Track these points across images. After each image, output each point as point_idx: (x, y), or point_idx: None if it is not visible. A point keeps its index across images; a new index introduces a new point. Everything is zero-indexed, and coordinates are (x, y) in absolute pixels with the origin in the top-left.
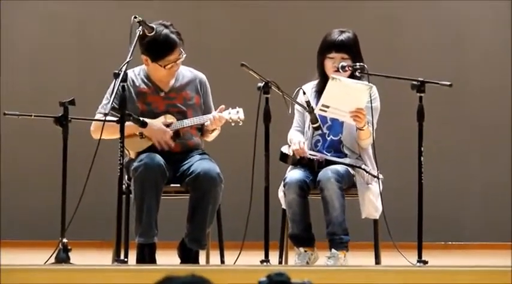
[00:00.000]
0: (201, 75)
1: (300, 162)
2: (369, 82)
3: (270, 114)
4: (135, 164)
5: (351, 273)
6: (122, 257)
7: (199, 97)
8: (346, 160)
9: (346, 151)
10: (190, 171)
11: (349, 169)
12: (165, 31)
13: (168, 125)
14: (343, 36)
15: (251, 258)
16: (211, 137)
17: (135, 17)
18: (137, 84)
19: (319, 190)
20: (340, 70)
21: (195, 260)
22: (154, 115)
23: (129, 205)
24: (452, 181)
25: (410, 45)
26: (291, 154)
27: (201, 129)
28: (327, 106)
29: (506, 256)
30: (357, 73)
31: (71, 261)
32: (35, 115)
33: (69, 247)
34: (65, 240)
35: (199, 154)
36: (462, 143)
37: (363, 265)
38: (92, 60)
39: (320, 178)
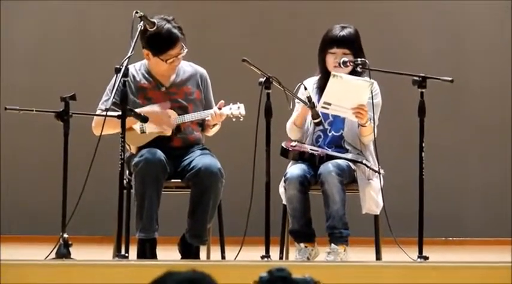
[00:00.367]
0: (202, 70)
1: (300, 157)
2: (370, 78)
3: (271, 109)
4: (136, 159)
5: (351, 269)
6: (123, 252)
7: (200, 92)
8: (348, 156)
9: (348, 147)
10: (191, 166)
11: (350, 164)
12: (167, 25)
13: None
14: (344, 32)
15: (252, 254)
16: (212, 132)
17: (137, 12)
18: (138, 79)
19: (320, 184)
20: (342, 65)
21: (196, 256)
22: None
23: (130, 201)
24: (453, 177)
25: (410, 42)
26: (292, 148)
27: (202, 124)
28: (329, 104)
29: (507, 252)
30: (359, 69)
31: (71, 256)
32: (36, 110)
33: (69, 242)
34: (65, 235)
35: (200, 149)
36: (463, 140)
37: (363, 261)
38: (92, 55)
39: (321, 171)
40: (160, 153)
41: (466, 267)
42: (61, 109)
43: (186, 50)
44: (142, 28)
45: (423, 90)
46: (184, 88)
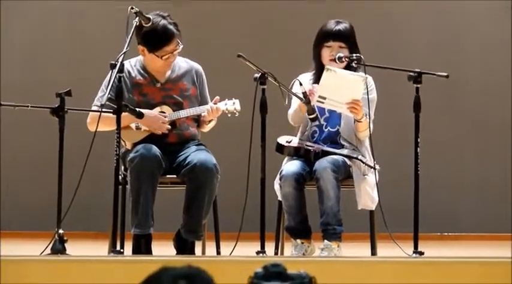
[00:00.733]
0: (197, 66)
1: (296, 153)
2: (365, 74)
3: (266, 105)
4: (131, 155)
5: (347, 264)
6: (118, 248)
7: (195, 88)
8: (343, 151)
9: (343, 143)
10: (187, 161)
11: (346, 159)
12: (163, 22)
13: (161, 113)
14: (340, 26)
15: (247, 249)
16: (207, 128)
17: (132, 8)
18: (133, 75)
19: (315, 180)
20: (337, 61)
21: (191, 251)
22: (151, 107)
23: (126, 196)
24: (448, 173)
25: (407, 39)
26: (288, 144)
27: (198, 120)
28: (324, 98)
29: (502, 247)
30: (354, 64)
31: (66, 252)
32: (31, 106)
33: (65, 238)
34: (61, 231)
35: (196, 145)
36: (458, 135)
37: (359, 256)
38: (88, 52)
39: (316, 167)
40: (155, 149)
41: (462, 262)
42: (56, 105)
43: (181, 46)
44: (137, 24)
45: (418, 86)
46: (180, 84)
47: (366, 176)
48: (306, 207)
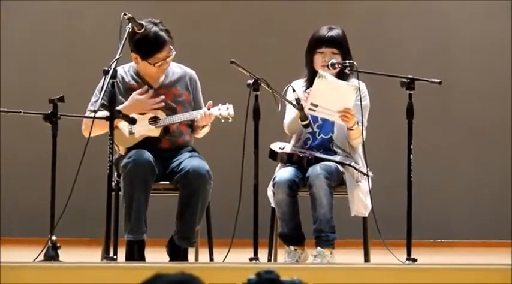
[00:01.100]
0: (191, 72)
1: (289, 159)
2: (358, 80)
3: (259, 111)
4: (124, 161)
5: (340, 271)
6: (111, 254)
7: (189, 94)
8: (336, 158)
9: (336, 149)
10: (180, 168)
11: (339, 166)
12: (154, 29)
13: (154, 119)
14: (333, 32)
15: (240, 256)
16: (201, 134)
17: (125, 14)
18: (127, 81)
19: (308, 187)
20: (330, 67)
21: (184, 258)
22: (144, 112)
23: (119, 202)
24: (442, 179)
25: (400, 44)
26: (281, 151)
27: (192, 126)
28: (316, 105)
29: (495, 254)
30: (347, 71)
31: (60, 259)
32: (23, 112)
33: (58, 245)
34: (54, 238)
35: (189, 151)
36: (452, 141)
37: (352, 263)
38: (81, 57)
39: (309, 174)
40: (148, 155)
41: (455, 269)
42: (49, 111)
43: (174, 53)
44: (130, 30)
45: (411, 92)
46: (173, 90)
47: (359, 183)
48: (299, 214)
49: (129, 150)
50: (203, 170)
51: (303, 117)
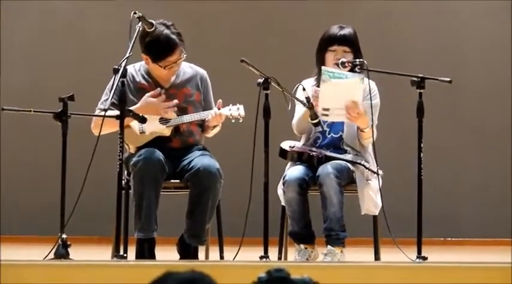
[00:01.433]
0: (202, 71)
1: (299, 158)
2: (369, 79)
3: (269, 110)
4: (134, 159)
5: (350, 269)
6: (121, 252)
7: (199, 94)
8: (346, 156)
9: (346, 148)
10: (190, 166)
11: (349, 165)
12: (166, 31)
13: (164, 118)
14: (345, 31)
15: (250, 254)
16: (211, 133)
17: (135, 13)
18: (137, 80)
19: (318, 186)
20: (340, 66)
21: (195, 256)
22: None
23: (129, 201)
24: (452, 178)
25: (408, 43)
26: (291, 149)
27: (202, 125)
28: (327, 109)
29: (505, 252)
30: (357, 70)
31: (70, 257)
32: (34, 111)
33: (68, 243)
34: (64, 236)
35: (200, 150)
36: (461, 140)
37: (362, 261)
38: (91, 56)
39: (319, 173)
40: (158, 153)
41: (465, 267)
42: (59, 110)
43: (185, 55)
44: (140, 29)
45: (421, 91)
46: (184, 90)
47: (369, 181)
48: (309, 212)
49: (139, 148)
50: (213, 168)
51: (313, 115)
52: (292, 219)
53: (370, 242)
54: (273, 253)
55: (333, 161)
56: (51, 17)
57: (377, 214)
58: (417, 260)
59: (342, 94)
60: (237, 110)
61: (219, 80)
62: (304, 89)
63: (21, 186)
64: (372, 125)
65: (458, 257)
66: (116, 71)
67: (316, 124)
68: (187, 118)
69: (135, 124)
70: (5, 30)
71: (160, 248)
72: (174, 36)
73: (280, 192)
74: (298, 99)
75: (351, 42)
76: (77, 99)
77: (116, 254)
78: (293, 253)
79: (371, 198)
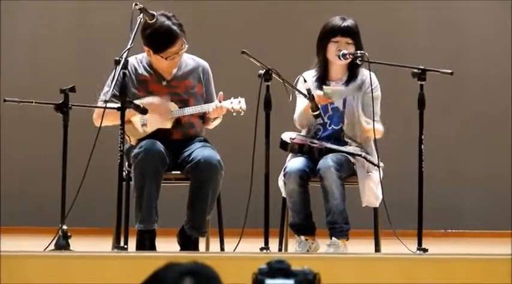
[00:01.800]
0: (204, 63)
1: (300, 149)
2: (369, 71)
3: (270, 101)
4: (135, 151)
5: (350, 261)
6: (122, 244)
7: (201, 86)
8: (347, 148)
9: (347, 140)
10: (191, 158)
11: (350, 157)
12: (167, 23)
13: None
14: (348, 22)
15: (251, 245)
16: (212, 125)
17: (136, 4)
18: (139, 72)
19: (319, 179)
20: (341, 58)
21: (195, 248)
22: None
23: (129, 192)
24: (453, 169)
25: (409, 35)
26: (291, 141)
27: (203, 117)
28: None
29: (506, 245)
30: (358, 61)
31: (70, 248)
32: (35, 102)
33: (68, 234)
34: (64, 227)
35: (200, 141)
36: (463, 131)
37: (362, 253)
38: (92, 47)
39: (320, 167)
40: (159, 145)
41: (466, 259)
42: (60, 101)
43: (187, 46)
44: (141, 20)
45: (423, 83)
46: (186, 82)
47: (370, 173)
48: (310, 204)
49: (140, 140)
50: (214, 160)
51: (314, 107)
52: (292, 211)
53: (371, 234)
54: (273, 244)
55: (333, 153)
56: (54, 9)
57: (378, 206)
58: (418, 252)
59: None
60: (238, 103)
61: (220, 72)
62: (305, 81)
63: (22, 177)
64: (373, 117)
65: (459, 249)
66: (117, 63)
67: (316, 116)
68: (188, 110)
69: (136, 119)
70: (7, 22)
71: (161, 239)
72: (175, 27)
73: (281, 183)
74: (299, 91)
75: (353, 34)
76: (78, 91)
77: (116, 245)
78: (293, 245)
79: (372, 190)
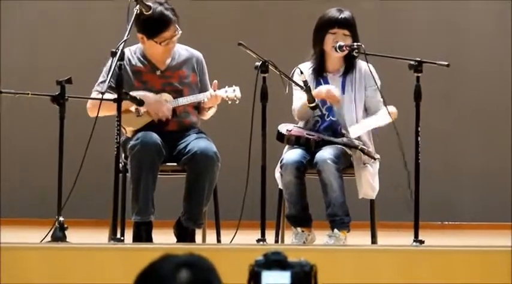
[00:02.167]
0: (198, 54)
1: (296, 141)
2: (367, 62)
3: (267, 93)
4: (132, 142)
5: (347, 252)
6: (118, 235)
7: (195, 76)
8: (344, 140)
9: (345, 131)
10: (187, 149)
11: (346, 149)
12: (160, 8)
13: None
14: (345, 14)
15: (247, 237)
16: (207, 115)
17: None
18: (133, 63)
19: (317, 173)
20: (338, 50)
21: (192, 239)
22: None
23: (126, 184)
24: (450, 161)
25: (405, 28)
26: (288, 133)
27: (198, 107)
28: None
29: (504, 237)
30: (354, 53)
31: (67, 239)
32: (31, 94)
33: (65, 226)
34: (61, 218)
35: (196, 133)
36: (460, 124)
37: (359, 245)
38: (88, 39)
39: (317, 160)
40: (156, 136)
41: (462, 251)
42: (57, 93)
43: (180, 32)
44: (138, 12)
45: (419, 75)
46: (180, 72)
47: (366, 165)
48: (306, 195)
49: (136, 132)
50: (210, 152)
51: (311, 99)
52: (289, 202)
53: (367, 226)
54: (270, 236)
55: (329, 145)
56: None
57: (374, 197)
58: (414, 244)
59: None
60: (233, 92)
61: (217, 63)
62: (301, 73)
63: (18, 169)
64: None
65: (456, 241)
66: (113, 54)
67: (314, 108)
68: (183, 100)
69: (131, 108)
70: (4, 13)
71: (158, 231)
72: (168, 12)
73: (277, 175)
74: (296, 83)
75: (351, 26)
76: (75, 82)
77: (113, 237)
78: (290, 236)
79: (368, 182)
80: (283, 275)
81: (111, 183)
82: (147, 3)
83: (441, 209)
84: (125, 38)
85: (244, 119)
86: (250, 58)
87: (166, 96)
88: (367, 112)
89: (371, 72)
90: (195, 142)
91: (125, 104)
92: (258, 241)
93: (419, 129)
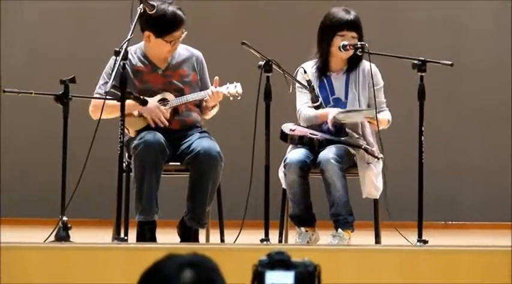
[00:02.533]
0: (198, 53)
1: (300, 141)
2: (370, 62)
3: (270, 92)
4: (135, 142)
5: (351, 252)
6: (122, 235)
7: (195, 74)
8: (347, 140)
9: (348, 131)
10: (191, 149)
11: (350, 148)
12: (171, 7)
13: (163, 100)
14: (352, 15)
15: (251, 237)
16: (210, 114)
17: None
18: (134, 63)
19: (320, 172)
20: (341, 49)
21: (195, 239)
22: (153, 93)
23: (130, 183)
24: (453, 161)
25: (406, 27)
26: (291, 132)
27: (200, 106)
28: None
29: (506, 236)
30: (358, 53)
31: (70, 239)
32: (35, 93)
33: (69, 225)
34: (64, 218)
35: (199, 132)
36: (463, 123)
37: (363, 245)
38: (88, 39)
39: (320, 159)
40: (159, 136)
41: (466, 251)
42: (60, 92)
43: (185, 33)
44: (141, 11)
45: (423, 74)
46: (180, 71)
47: (370, 164)
48: (310, 195)
49: (138, 132)
50: (214, 151)
51: (314, 98)
52: (293, 202)
53: (371, 226)
54: (273, 236)
55: (333, 145)
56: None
57: (378, 197)
58: (418, 243)
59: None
60: (234, 88)
61: (217, 63)
62: (305, 72)
63: (22, 169)
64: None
65: (459, 241)
66: (117, 53)
67: (317, 107)
68: (185, 99)
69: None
70: (7, 12)
71: (161, 230)
72: (180, 12)
73: (281, 174)
74: (299, 82)
75: (358, 28)
76: (78, 82)
77: (116, 236)
78: (294, 236)
79: (372, 182)
80: (286, 275)
81: (114, 183)
82: (151, 3)
83: (444, 209)
84: (129, 37)
85: (247, 118)
86: (251, 58)
87: (167, 95)
88: None
89: (372, 73)
90: (199, 142)
91: (127, 108)
92: (262, 240)
93: (423, 128)
